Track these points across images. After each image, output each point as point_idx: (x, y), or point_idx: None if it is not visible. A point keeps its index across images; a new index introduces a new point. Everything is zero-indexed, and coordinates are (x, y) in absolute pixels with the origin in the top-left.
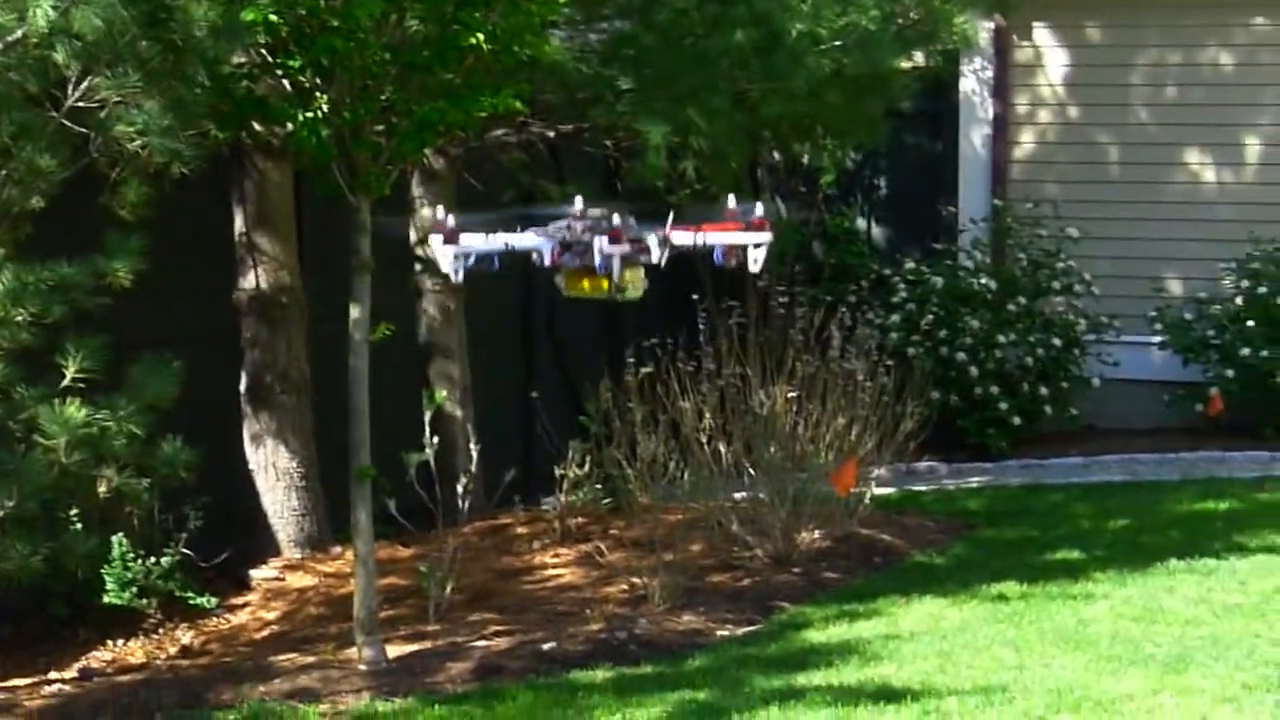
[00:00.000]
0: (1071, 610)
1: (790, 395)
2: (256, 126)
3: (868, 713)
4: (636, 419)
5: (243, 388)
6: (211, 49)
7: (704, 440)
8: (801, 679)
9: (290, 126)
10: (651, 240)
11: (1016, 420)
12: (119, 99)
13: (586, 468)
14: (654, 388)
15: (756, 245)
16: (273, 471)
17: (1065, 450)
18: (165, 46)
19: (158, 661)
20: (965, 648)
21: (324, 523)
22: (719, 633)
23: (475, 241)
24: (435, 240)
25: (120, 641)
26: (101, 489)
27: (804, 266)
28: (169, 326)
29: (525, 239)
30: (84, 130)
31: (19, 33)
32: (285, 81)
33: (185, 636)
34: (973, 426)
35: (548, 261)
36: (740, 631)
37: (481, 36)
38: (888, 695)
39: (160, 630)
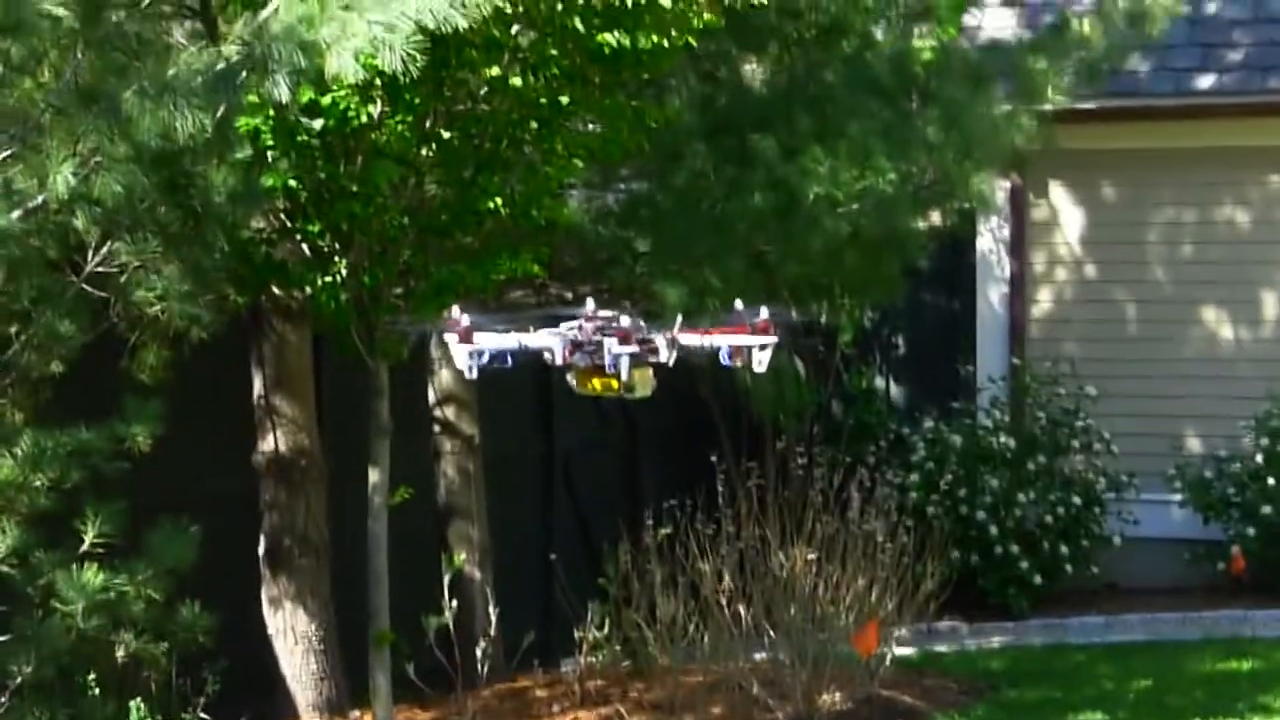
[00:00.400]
0: None
1: (810, 556)
2: (275, 290)
3: None
4: (656, 580)
5: (261, 550)
6: (230, 214)
7: (724, 601)
8: None
9: (309, 290)
10: (660, 341)
11: (1037, 579)
12: (139, 264)
13: (606, 629)
14: (673, 549)
15: (762, 347)
16: (291, 635)
17: (1087, 609)
18: (185, 212)
19: None
20: None
21: (343, 686)
22: None
23: (489, 340)
24: (450, 339)
25: None
26: (119, 654)
27: (822, 426)
28: (187, 490)
29: (538, 338)
30: (103, 295)
31: (40, 199)
32: (304, 246)
33: None
34: (993, 586)
35: (559, 360)
36: None
37: (499, 200)
38: None
39: None
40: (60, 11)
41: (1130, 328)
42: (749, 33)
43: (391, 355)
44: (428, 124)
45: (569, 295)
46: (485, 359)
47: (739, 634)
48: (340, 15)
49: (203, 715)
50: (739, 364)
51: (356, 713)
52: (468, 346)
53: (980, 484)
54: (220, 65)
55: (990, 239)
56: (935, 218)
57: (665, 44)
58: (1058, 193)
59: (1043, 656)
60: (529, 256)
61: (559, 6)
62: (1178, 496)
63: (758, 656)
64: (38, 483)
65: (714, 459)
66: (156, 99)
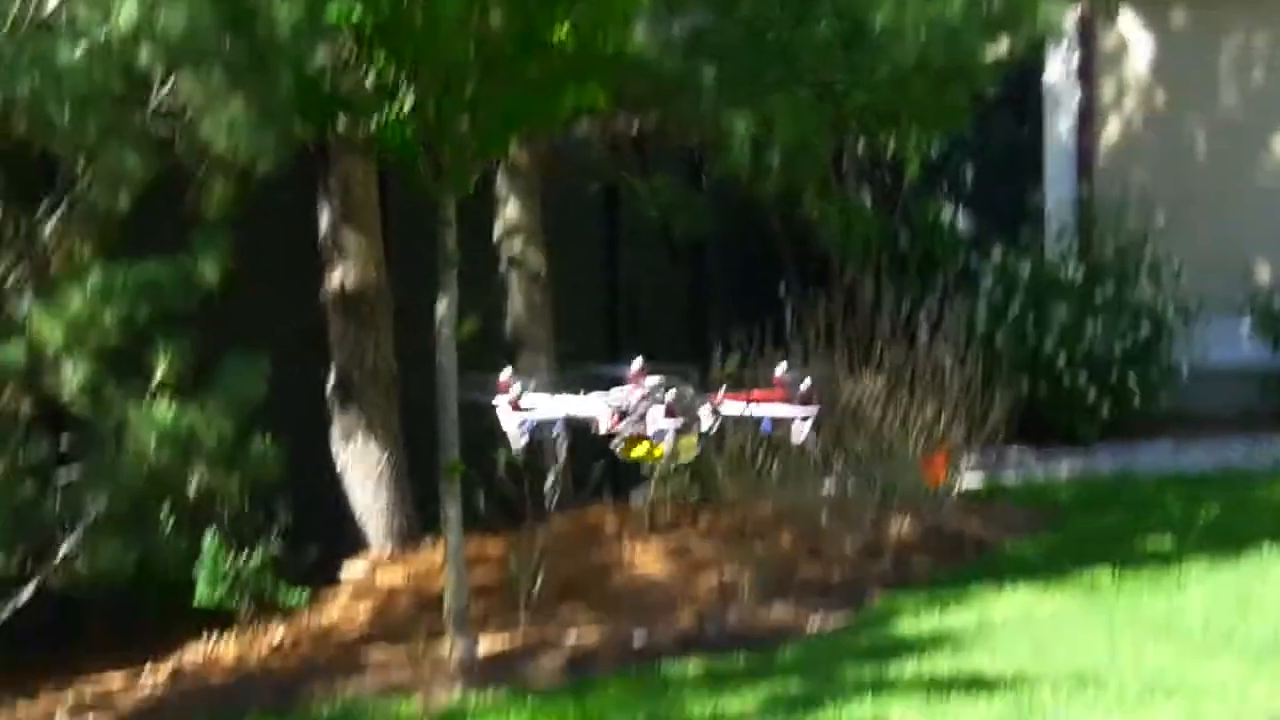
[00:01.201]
0: (1164, 598)
1: (878, 386)
2: (341, 124)
3: (960, 703)
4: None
5: (330, 385)
6: (296, 48)
7: None
8: (893, 669)
9: (375, 123)
10: (703, 411)
11: (1105, 409)
12: (203, 99)
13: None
14: (741, 381)
15: (804, 419)
16: (362, 468)
17: (1155, 438)
18: (250, 45)
19: (249, 659)
20: (1058, 636)
21: (413, 518)
22: (810, 624)
23: (537, 405)
24: (500, 403)
25: (212, 639)
26: (192, 488)
27: (890, 257)
28: (256, 325)
29: (585, 405)
30: (169, 130)
31: (104, 33)
32: (370, 79)
33: (277, 633)
34: (1061, 415)
35: (604, 429)
36: (831, 622)
37: (565, 30)
38: (980, 685)
39: (252, 628)
40: None
41: (1200, 156)
42: None
43: (458, 188)
44: None
45: (634, 128)
46: (533, 425)
47: (808, 463)
48: None
49: (275, 548)
50: (780, 433)
51: (427, 543)
52: (518, 416)
53: (1048, 314)
54: None
55: (1059, 68)
56: (1003, 46)
57: None
58: (1127, 20)
59: (1110, 485)
60: (594, 88)
61: None
62: (1247, 325)
63: (826, 486)
64: (108, 318)
65: (782, 291)
66: None
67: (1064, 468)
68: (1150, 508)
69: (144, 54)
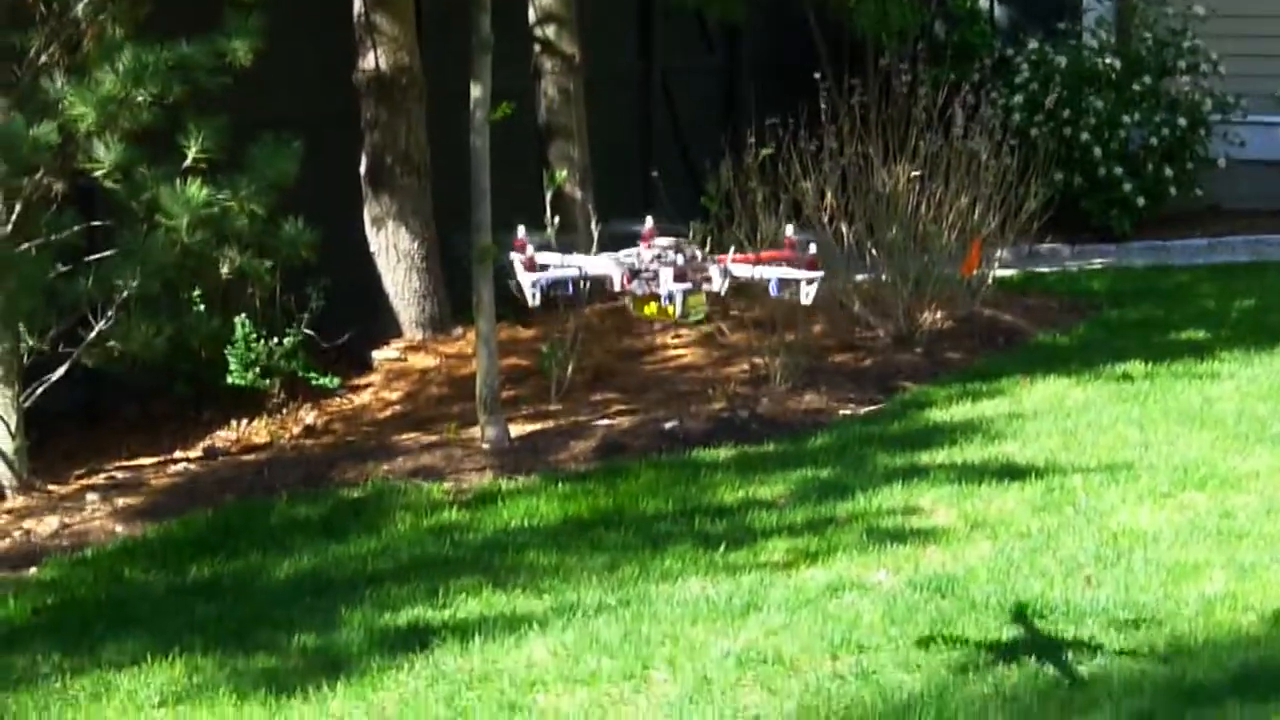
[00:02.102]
0: (1197, 389)
1: (913, 175)
2: None
3: (991, 490)
4: (757, 199)
5: (363, 169)
6: None
7: (826, 220)
8: (924, 457)
9: None
10: (714, 272)
11: (1140, 201)
12: None
13: (708, 248)
14: (775, 167)
15: (809, 282)
16: (394, 253)
17: (1190, 231)
18: None
19: (281, 441)
20: (1089, 426)
21: (445, 304)
22: (841, 412)
23: (551, 265)
24: (515, 261)
25: (244, 421)
26: (224, 269)
27: (926, 45)
28: (289, 107)
29: (598, 264)
30: None
31: None
32: None
33: (308, 416)
34: (1096, 207)
35: (617, 287)
36: (862, 410)
37: None
38: (1011, 472)
39: (283, 410)
40: None
41: None
42: None
43: None
44: None
45: None
46: (547, 284)
47: (841, 252)
48: None
49: (307, 331)
50: (788, 295)
51: (459, 329)
52: (531, 275)
53: (1085, 105)
54: None
55: None
56: None
57: None
58: None
59: (1145, 276)
60: None
61: None
62: None
63: (859, 275)
64: (140, 97)
65: (816, 77)
66: None
67: (1098, 260)
68: (1184, 300)
69: None
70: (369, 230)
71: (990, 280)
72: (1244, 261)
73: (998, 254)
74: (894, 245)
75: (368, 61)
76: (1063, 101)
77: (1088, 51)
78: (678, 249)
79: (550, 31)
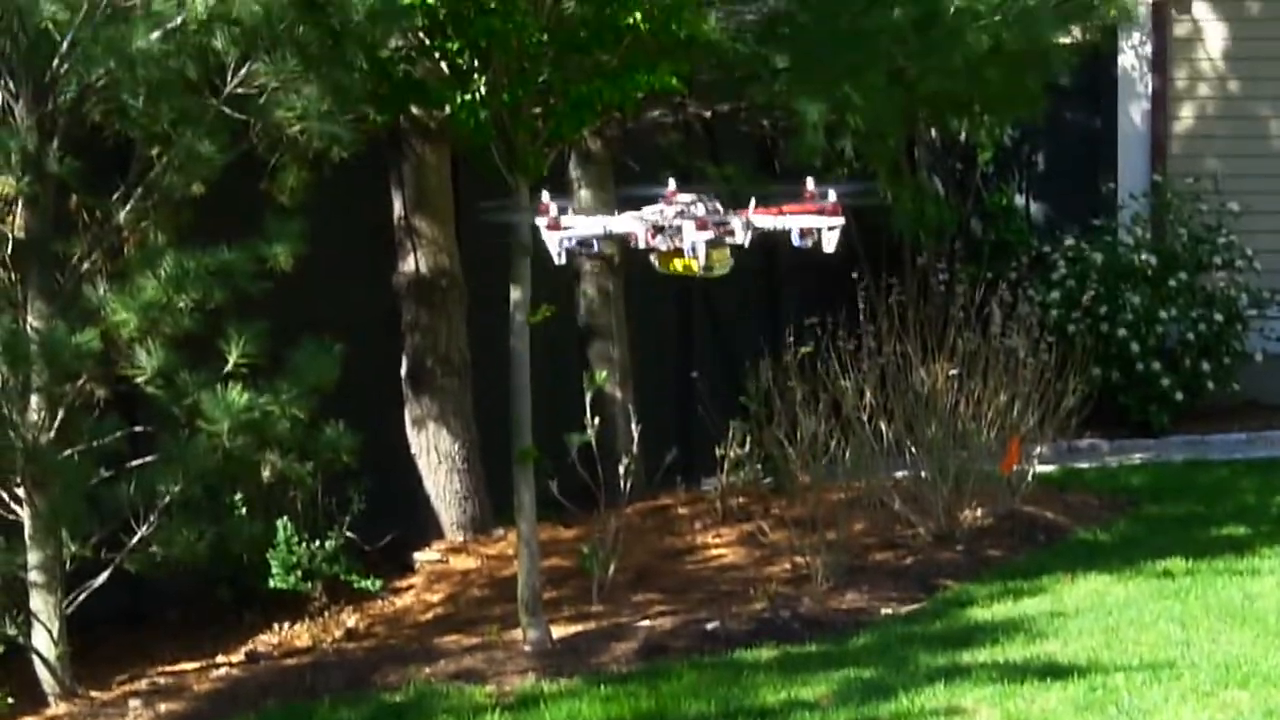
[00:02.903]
0: (1238, 586)
1: (951, 373)
2: (414, 109)
3: (1034, 690)
4: (797, 398)
5: (403, 371)
6: (369, 32)
7: (865, 418)
8: (966, 656)
9: (448, 109)
10: (736, 223)
11: (1178, 396)
12: (277, 84)
13: (747, 447)
14: (814, 366)
15: (830, 228)
16: (435, 454)
17: (1228, 426)
18: (323, 31)
19: (323, 644)
20: (1131, 624)
21: (486, 505)
22: (883, 611)
23: (576, 225)
24: (540, 223)
25: (285, 625)
26: (265, 473)
27: (963, 244)
28: (329, 311)
29: (621, 223)
30: (243, 116)
31: (178, 19)
32: (443, 63)
33: (350, 619)
34: (1134, 403)
35: (641, 244)
36: (904, 609)
37: (639, 15)
38: (1054, 672)
39: (325, 613)
40: None
41: (1273, 143)
42: None
43: (531, 173)
44: None
45: (707, 114)
46: (573, 243)
47: (880, 450)
48: None
49: (348, 534)
50: (809, 244)
51: (500, 530)
52: (557, 234)
53: (1121, 301)
54: None
55: (1132, 54)
56: (1077, 32)
57: None
58: (1200, 7)
59: (1184, 472)
60: (667, 71)
61: None
62: None
63: (899, 473)
64: (181, 303)
65: (854, 276)
66: None
67: (1137, 455)
68: (1224, 495)
69: (219, 39)
70: (410, 432)
71: (1030, 477)
72: None
73: (1037, 450)
74: (933, 443)
75: (408, 264)
76: (1100, 297)
77: (1124, 248)
78: (699, 202)
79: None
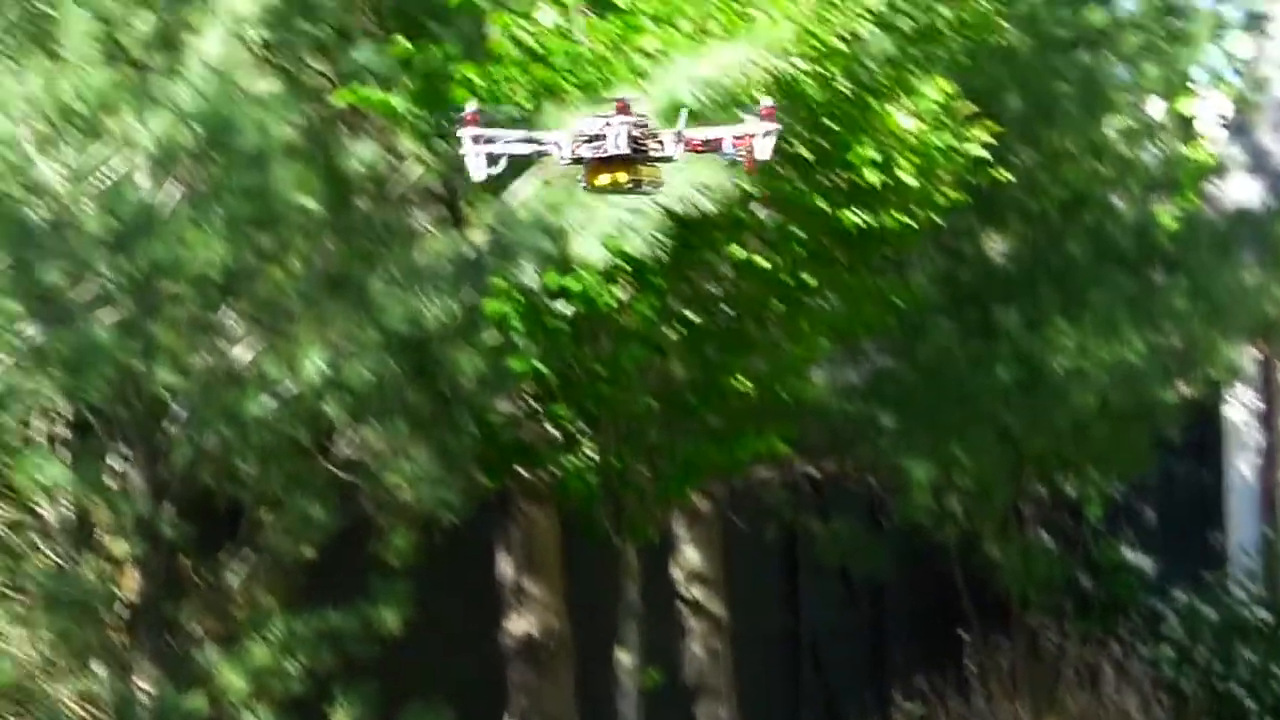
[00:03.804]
0: None
1: None
2: (523, 473)
3: None
4: None
5: None
6: (479, 398)
7: None
8: None
9: (557, 473)
10: (666, 135)
11: None
12: (388, 449)
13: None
14: None
15: (765, 134)
16: None
17: None
18: (433, 396)
19: None
20: None
21: None
22: None
23: (502, 138)
24: (464, 137)
25: None
26: None
27: (1072, 599)
28: (436, 672)
29: (548, 135)
30: (353, 479)
31: (290, 385)
32: (551, 428)
33: None
34: None
35: (566, 155)
36: None
37: (745, 379)
38: None
39: None
40: (309, 202)
41: None
42: (991, 207)
43: (640, 536)
44: (673, 305)
45: (813, 472)
46: (499, 161)
47: None
48: (586, 201)
49: None
50: (742, 155)
51: None
52: (481, 147)
53: (1236, 657)
54: (467, 251)
55: (1239, 408)
56: (1183, 387)
57: (912, 224)
58: None
59: None
60: (775, 435)
61: (803, 187)
62: None
63: None
64: (290, 668)
65: (962, 634)
66: (405, 286)
67: None
68: None
69: (330, 404)
70: None
71: None
72: None
73: None
74: None
75: (515, 625)
76: (1213, 654)
77: (1236, 603)
78: (629, 117)
79: (696, 591)
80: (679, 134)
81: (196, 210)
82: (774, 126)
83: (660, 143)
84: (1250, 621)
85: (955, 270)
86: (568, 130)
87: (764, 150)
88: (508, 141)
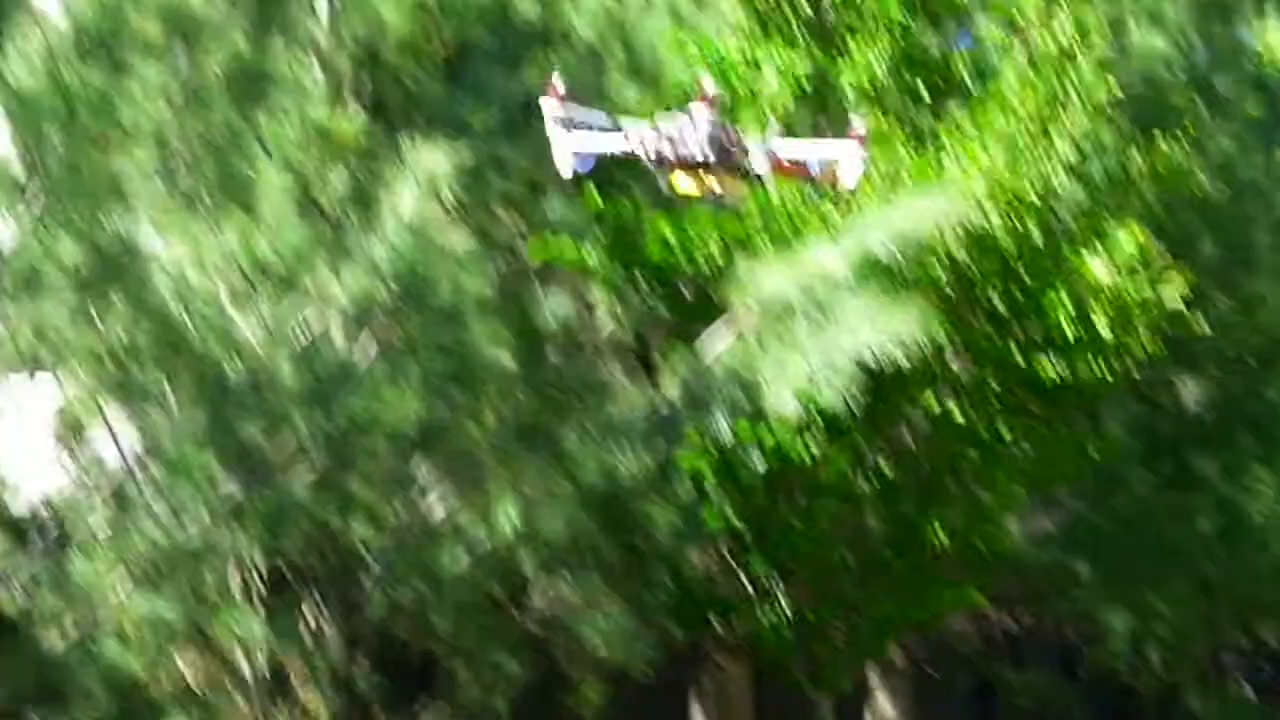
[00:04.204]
0: None
1: None
2: (716, 625)
3: None
4: None
5: None
6: (672, 552)
7: None
8: None
9: (751, 625)
10: (754, 148)
11: None
12: (581, 602)
13: None
14: None
15: (852, 159)
16: None
17: None
18: (627, 550)
19: None
20: None
21: None
22: None
23: (590, 141)
24: (551, 118)
25: None
26: None
27: None
28: None
29: (630, 128)
30: (546, 633)
31: (485, 539)
32: (745, 581)
33: None
34: None
35: (649, 152)
36: None
37: (940, 531)
38: None
39: None
40: (503, 357)
41: None
42: (1187, 354)
43: (835, 687)
44: (867, 457)
45: (1009, 623)
46: (586, 160)
47: None
48: (780, 355)
49: None
50: (829, 178)
51: None
52: (568, 140)
53: None
54: (660, 404)
55: None
56: None
57: (1108, 375)
58: None
59: None
60: (970, 586)
61: (998, 338)
62: None
63: None
64: None
65: None
66: (598, 439)
67: None
68: None
69: (525, 559)
70: None
71: None
72: None
73: None
74: None
75: None
76: None
77: None
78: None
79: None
80: (766, 149)
81: (392, 366)
82: (862, 152)
83: (745, 151)
84: None
85: (1151, 418)
86: (651, 126)
87: (851, 176)
88: (592, 131)
